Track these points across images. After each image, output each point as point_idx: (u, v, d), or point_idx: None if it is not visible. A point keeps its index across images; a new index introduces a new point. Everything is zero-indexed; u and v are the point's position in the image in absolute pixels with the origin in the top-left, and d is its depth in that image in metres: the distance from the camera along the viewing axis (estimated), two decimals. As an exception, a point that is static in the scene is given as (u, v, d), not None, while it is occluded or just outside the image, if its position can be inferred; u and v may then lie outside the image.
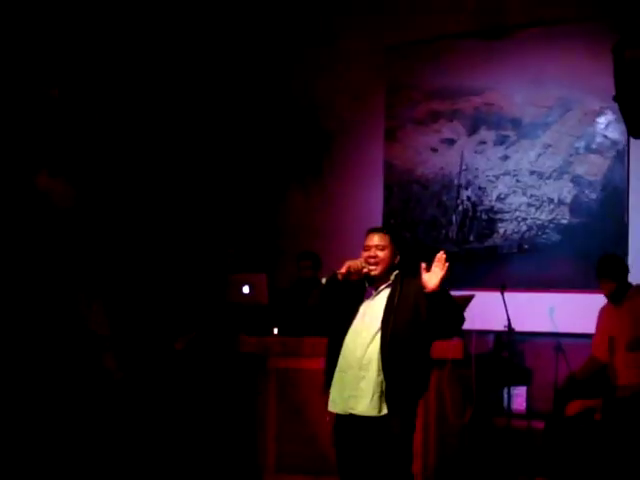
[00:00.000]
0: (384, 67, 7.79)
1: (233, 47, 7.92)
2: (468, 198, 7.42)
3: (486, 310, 6.43)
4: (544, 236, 7.10)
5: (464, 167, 7.45)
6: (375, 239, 4.17)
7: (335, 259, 7.19)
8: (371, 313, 4.15)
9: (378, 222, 7.62)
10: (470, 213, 7.40)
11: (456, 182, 7.47)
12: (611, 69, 4.87)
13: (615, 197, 6.86)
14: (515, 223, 7.22)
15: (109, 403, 5.45)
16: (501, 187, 7.30)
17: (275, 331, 6.17)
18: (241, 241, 7.63)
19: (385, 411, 4.02)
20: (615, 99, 4.71)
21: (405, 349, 4.04)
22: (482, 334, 6.68)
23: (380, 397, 4.02)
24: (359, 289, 4.20)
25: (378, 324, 4.09)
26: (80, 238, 5.67)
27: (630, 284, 5.87)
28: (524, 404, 6.74)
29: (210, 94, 7.75)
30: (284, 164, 8.08)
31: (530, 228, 7.17)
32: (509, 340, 6.33)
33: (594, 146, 6.98)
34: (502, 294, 6.14)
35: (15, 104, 5.63)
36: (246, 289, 6.37)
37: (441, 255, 3.93)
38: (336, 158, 7.92)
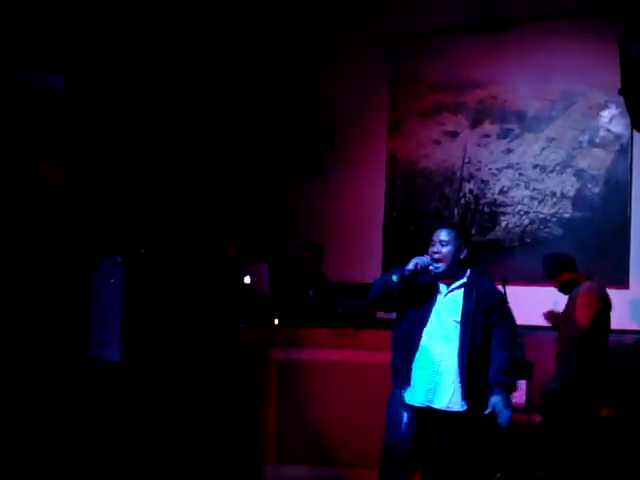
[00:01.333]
0: (388, 60, 7.76)
1: (237, 40, 7.89)
2: (470, 191, 7.42)
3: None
4: (546, 230, 7.10)
5: (467, 160, 7.44)
6: (440, 235, 4.22)
7: (337, 250, 7.26)
8: (446, 311, 4.20)
9: (380, 215, 7.63)
10: (472, 206, 7.39)
11: (459, 175, 7.46)
12: (615, 63, 4.86)
13: (618, 191, 6.87)
14: (517, 216, 7.22)
15: (111, 388, 5.48)
16: (504, 180, 7.29)
17: (276, 322, 6.16)
18: (244, 232, 7.63)
19: (463, 407, 4.10)
20: (620, 92, 4.69)
21: (481, 351, 4.13)
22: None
23: (458, 393, 4.10)
24: (430, 285, 4.23)
25: (454, 324, 4.14)
26: (80, 225, 5.69)
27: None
28: (524, 398, 6.74)
29: (214, 86, 7.73)
30: (287, 156, 8.07)
31: (532, 222, 7.16)
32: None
33: (597, 140, 6.97)
34: (504, 287, 6.10)
35: (19, 95, 5.63)
36: (247, 279, 6.36)
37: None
38: (339, 150, 7.90)
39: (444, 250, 4.16)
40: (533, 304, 6.72)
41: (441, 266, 4.16)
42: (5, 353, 5.47)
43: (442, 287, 4.22)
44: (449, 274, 4.19)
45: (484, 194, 7.36)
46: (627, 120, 6.29)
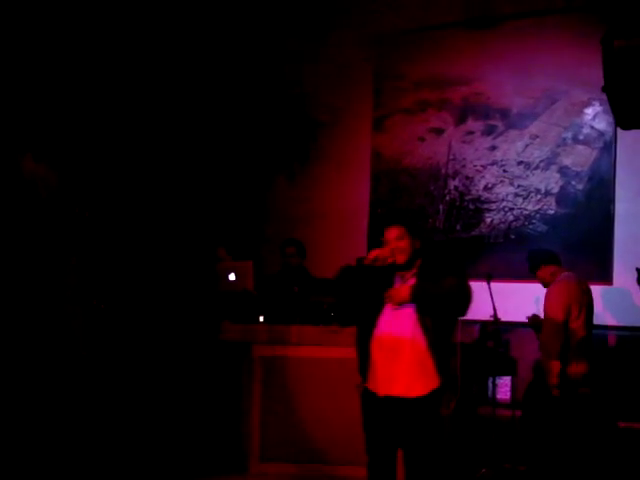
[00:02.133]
0: (372, 56, 7.77)
1: (220, 36, 7.87)
2: (455, 188, 7.43)
3: (472, 300, 6.44)
4: (530, 226, 7.12)
5: (451, 157, 7.45)
6: (393, 233, 4.33)
7: (322, 247, 7.25)
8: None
9: (365, 211, 7.63)
10: (457, 203, 7.41)
11: (443, 172, 7.47)
12: (599, 60, 4.86)
13: (602, 188, 6.89)
14: (502, 213, 7.23)
15: (88, 385, 5.47)
16: (488, 177, 7.31)
17: (261, 319, 6.15)
18: (228, 229, 7.61)
19: (421, 393, 4.18)
20: (604, 90, 4.69)
21: (438, 337, 4.21)
22: (467, 324, 6.69)
23: (415, 379, 4.19)
24: (386, 279, 4.33)
25: (406, 311, 4.23)
26: (65, 221, 5.65)
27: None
28: (509, 394, 6.77)
29: (197, 84, 7.71)
30: (271, 152, 8.06)
31: (517, 218, 7.18)
32: (494, 330, 6.34)
33: (581, 137, 7.00)
34: (488, 284, 6.15)
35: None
36: (232, 277, 6.35)
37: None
38: (323, 147, 7.90)
39: (401, 244, 4.30)
40: (517, 300, 6.76)
41: (401, 260, 4.28)
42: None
43: (398, 279, 4.35)
44: (406, 267, 4.32)
45: (469, 191, 7.37)
46: (610, 117, 6.32)
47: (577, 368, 5.58)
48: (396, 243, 4.27)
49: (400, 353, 4.20)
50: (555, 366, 5.55)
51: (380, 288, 4.31)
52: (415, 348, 4.18)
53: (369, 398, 4.30)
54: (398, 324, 4.23)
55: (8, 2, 5.70)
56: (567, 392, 5.58)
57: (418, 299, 4.17)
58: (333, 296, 4.61)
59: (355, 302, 4.38)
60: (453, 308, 4.24)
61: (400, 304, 4.20)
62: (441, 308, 4.21)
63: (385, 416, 4.24)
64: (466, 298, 4.23)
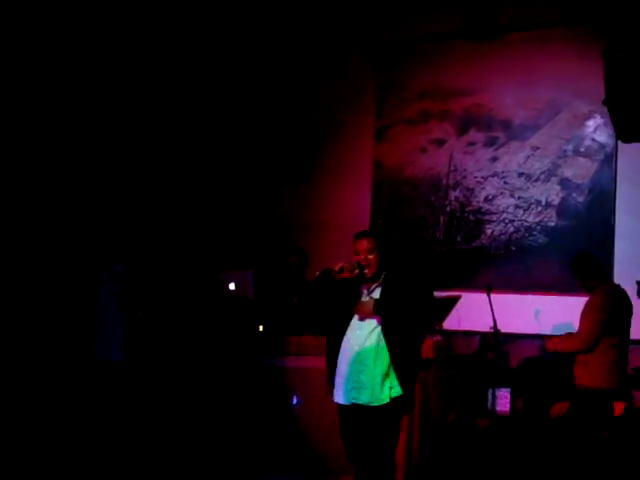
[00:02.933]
0: (375, 67, 7.78)
1: (225, 48, 7.89)
2: (456, 199, 7.43)
3: (472, 311, 6.45)
4: (531, 238, 7.12)
5: (453, 168, 7.46)
6: (364, 244, 4.44)
7: (324, 257, 7.22)
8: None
9: (366, 221, 7.63)
10: (458, 214, 7.41)
11: (445, 182, 7.48)
12: (600, 73, 4.88)
13: (602, 200, 6.90)
14: (502, 224, 7.24)
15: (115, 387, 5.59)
16: (489, 188, 7.32)
17: (260, 328, 6.15)
18: (230, 237, 7.63)
19: (385, 401, 4.35)
20: (604, 103, 4.71)
21: (398, 343, 4.35)
22: (468, 335, 6.71)
23: (380, 387, 4.35)
24: (353, 290, 4.47)
25: (371, 321, 4.39)
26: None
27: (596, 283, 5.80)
28: (508, 405, 6.75)
29: (201, 95, 7.73)
30: (274, 162, 8.07)
31: (517, 230, 7.19)
32: (494, 341, 6.33)
33: (582, 149, 7.00)
34: (488, 295, 6.15)
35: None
36: (232, 285, 6.35)
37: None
38: (326, 157, 7.91)
39: (371, 257, 4.39)
40: (518, 312, 6.76)
41: (370, 272, 4.40)
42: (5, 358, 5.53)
43: (363, 290, 4.48)
44: (373, 278, 4.44)
45: (469, 202, 7.38)
46: (611, 130, 6.32)
47: None
48: (365, 255, 4.39)
49: (365, 363, 4.35)
50: None
51: (347, 299, 4.44)
52: (379, 358, 4.33)
53: (338, 408, 4.49)
54: (364, 335, 4.38)
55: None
56: None
57: (382, 313, 4.31)
58: (304, 304, 4.74)
59: (322, 311, 4.52)
60: (416, 321, 4.37)
61: (365, 318, 4.35)
62: (404, 321, 4.32)
63: (353, 424, 4.42)
64: (428, 311, 4.46)
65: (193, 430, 5.96)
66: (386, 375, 4.34)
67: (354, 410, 4.43)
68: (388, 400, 4.34)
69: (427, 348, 5.55)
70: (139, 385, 5.81)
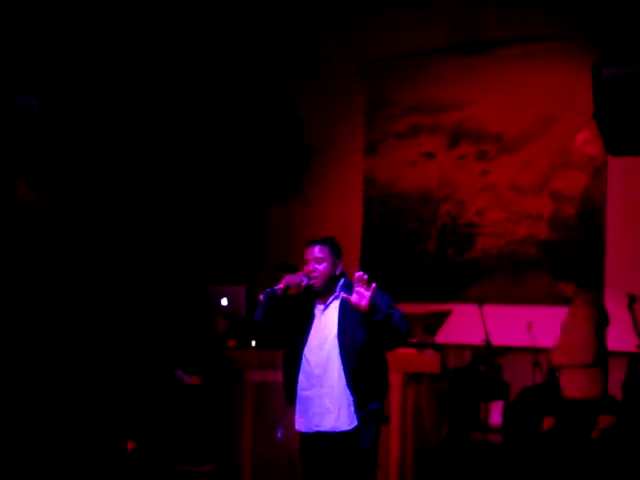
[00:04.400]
0: (365, 81, 7.81)
1: (214, 62, 7.91)
2: (447, 212, 7.45)
3: (464, 324, 6.46)
4: (522, 251, 7.13)
5: (444, 181, 7.48)
6: (313, 252, 4.10)
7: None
8: (323, 329, 4.08)
9: (358, 235, 7.65)
10: (449, 227, 7.42)
11: (435, 196, 7.49)
12: (590, 86, 4.91)
13: (592, 213, 6.92)
14: (493, 238, 7.25)
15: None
16: (480, 202, 7.33)
17: (253, 343, 6.14)
18: (222, 253, 7.62)
19: (353, 424, 3.99)
20: (594, 117, 4.73)
21: (363, 359, 4.00)
22: (460, 348, 6.70)
23: (345, 411, 3.98)
24: (307, 304, 4.14)
25: (332, 339, 4.03)
26: (56, 246, 5.69)
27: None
28: (501, 418, 6.75)
29: (190, 109, 7.73)
30: (264, 178, 8.08)
31: (508, 243, 7.20)
32: (487, 354, 6.34)
33: (573, 162, 7.03)
34: (480, 308, 6.16)
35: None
36: (224, 301, 6.35)
37: (361, 276, 3.82)
38: (316, 172, 7.93)
39: (320, 267, 4.06)
40: (509, 325, 6.76)
41: (318, 284, 4.05)
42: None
43: (319, 304, 4.13)
44: (326, 291, 4.09)
45: (460, 215, 7.39)
46: (602, 142, 6.34)
47: None
48: (313, 265, 4.05)
49: (327, 385, 3.99)
50: None
51: (299, 316, 4.09)
52: (341, 380, 3.97)
53: (301, 434, 4.12)
54: (323, 356, 4.01)
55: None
56: None
57: (374, 314, 3.84)
58: (258, 327, 4.36)
59: (277, 333, 4.14)
60: (395, 338, 4.00)
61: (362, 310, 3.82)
62: (386, 334, 3.92)
63: (316, 451, 4.06)
64: (402, 334, 3.98)
65: (172, 440, 5.94)
66: (349, 398, 3.97)
67: (318, 438, 4.05)
68: (356, 424, 3.98)
69: (420, 362, 5.57)
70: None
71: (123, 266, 6.41)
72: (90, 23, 6.44)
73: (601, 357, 5.60)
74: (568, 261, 6.23)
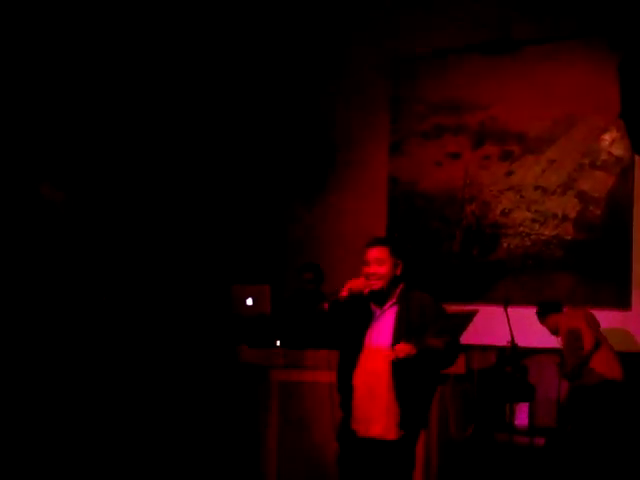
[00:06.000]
0: (389, 81, 7.80)
1: (239, 62, 7.92)
2: (472, 212, 7.42)
3: (489, 325, 6.42)
4: (548, 252, 7.10)
5: (468, 181, 7.46)
6: (374, 253, 4.01)
7: (339, 272, 7.22)
8: (378, 335, 4.02)
9: (382, 235, 7.62)
10: (474, 228, 7.40)
11: (460, 196, 7.47)
12: (617, 86, 4.88)
13: (619, 214, 6.87)
14: (519, 238, 7.22)
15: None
16: (505, 202, 7.30)
17: (278, 343, 6.15)
18: (246, 253, 7.64)
19: (399, 434, 3.94)
20: (620, 116, 4.71)
21: (415, 371, 3.94)
22: (485, 349, 6.68)
23: (393, 420, 3.93)
24: (366, 307, 4.07)
25: (385, 348, 3.96)
26: (78, 244, 5.72)
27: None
28: (526, 420, 6.72)
29: (213, 109, 7.75)
30: (289, 178, 8.09)
31: (534, 243, 7.16)
32: (512, 355, 6.31)
33: (599, 162, 6.98)
34: (505, 309, 6.13)
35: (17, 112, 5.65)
36: (249, 301, 6.36)
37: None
38: (340, 171, 7.92)
39: (380, 269, 3.97)
40: (535, 326, 6.72)
41: (378, 287, 3.96)
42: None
43: (375, 308, 4.05)
44: (385, 294, 4.00)
45: (485, 216, 7.36)
46: (628, 143, 6.30)
47: None
48: (374, 266, 3.96)
49: (377, 394, 3.92)
50: None
51: (358, 323, 4.02)
52: (392, 390, 3.90)
53: (349, 435, 4.04)
54: (377, 366, 3.94)
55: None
56: None
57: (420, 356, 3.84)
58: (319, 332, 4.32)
59: (335, 342, 4.10)
60: (441, 367, 4.04)
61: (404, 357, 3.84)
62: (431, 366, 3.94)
63: (361, 456, 3.98)
64: (454, 359, 4.01)
65: (197, 441, 5.96)
66: (399, 408, 3.92)
67: (365, 443, 3.99)
68: (401, 436, 3.93)
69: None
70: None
71: (144, 266, 6.43)
72: (108, 13, 6.45)
73: None
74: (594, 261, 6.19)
